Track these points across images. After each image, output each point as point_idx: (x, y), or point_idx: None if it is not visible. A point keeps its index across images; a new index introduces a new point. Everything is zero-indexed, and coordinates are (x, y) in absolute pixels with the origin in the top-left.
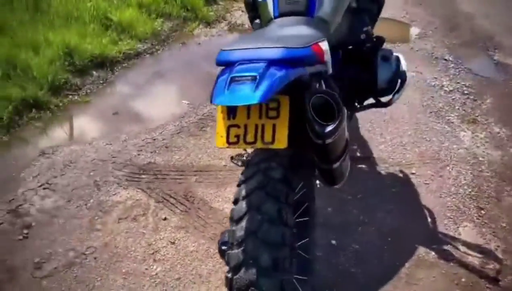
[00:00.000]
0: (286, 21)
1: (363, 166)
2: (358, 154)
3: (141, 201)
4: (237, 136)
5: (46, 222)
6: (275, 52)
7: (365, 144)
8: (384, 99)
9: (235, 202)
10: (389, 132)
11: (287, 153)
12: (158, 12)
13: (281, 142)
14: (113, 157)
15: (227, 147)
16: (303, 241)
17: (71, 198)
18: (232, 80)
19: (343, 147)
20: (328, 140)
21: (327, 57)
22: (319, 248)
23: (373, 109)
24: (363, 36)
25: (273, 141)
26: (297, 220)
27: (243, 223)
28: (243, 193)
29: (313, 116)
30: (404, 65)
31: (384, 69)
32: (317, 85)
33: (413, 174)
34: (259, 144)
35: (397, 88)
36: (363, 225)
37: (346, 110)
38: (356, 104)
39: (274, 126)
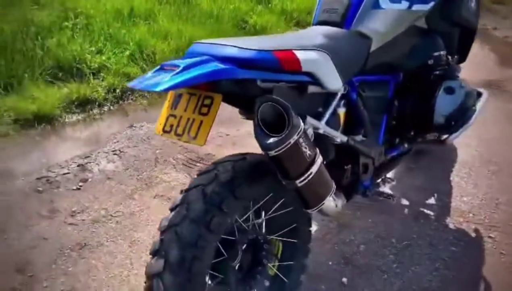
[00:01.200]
0: (315, 30)
1: (430, 213)
2: (432, 200)
3: (184, 185)
4: (171, 126)
5: (99, 180)
6: (227, 51)
7: (448, 191)
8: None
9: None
10: (487, 185)
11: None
12: (298, 20)
13: (200, 140)
14: None
15: (161, 135)
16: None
17: (129, 167)
18: (161, 68)
19: (305, 164)
20: (271, 153)
21: (312, 68)
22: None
23: (477, 154)
24: (430, 61)
25: (195, 138)
26: (281, 239)
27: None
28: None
29: (259, 124)
30: (480, 102)
31: (445, 103)
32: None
33: (490, 237)
34: (184, 138)
35: (456, 127)
36: (392, 277)
37: (302, 124)
38: (412, 135)
39: (201, 122)
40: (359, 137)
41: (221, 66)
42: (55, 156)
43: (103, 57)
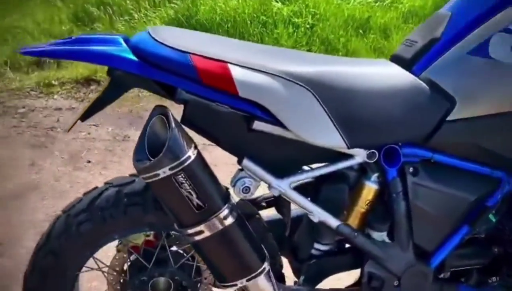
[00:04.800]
0: (373, 62)
1: None
2: None
3: None
4: None
5: None
6: (147, 42)
7: None
8: None
9: None
10: None
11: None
12: None
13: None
14: None
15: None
16: None
17: None
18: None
19: (191, 215)
20: (142, 176)
21: (257, 96)
22: None
23: None
24: None
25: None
26: None
27: None
28: None
29: (143, 138)
30: None
31: None
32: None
33: None
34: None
35: None
36: None
37: (189, 159)
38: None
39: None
40: (380, 236)
41: (120, 53)
42: None
43: None
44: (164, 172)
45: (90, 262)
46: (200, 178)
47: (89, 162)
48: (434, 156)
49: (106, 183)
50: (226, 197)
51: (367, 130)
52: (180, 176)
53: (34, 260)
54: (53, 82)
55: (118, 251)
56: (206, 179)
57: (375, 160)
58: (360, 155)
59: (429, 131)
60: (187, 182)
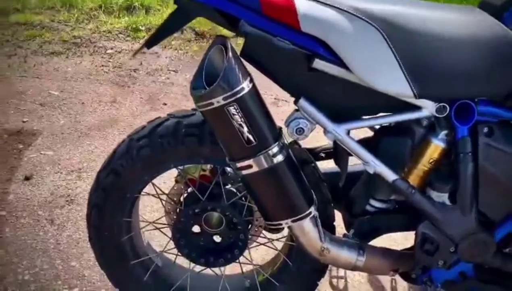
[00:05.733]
0: (457, 8)
1: None
2: None
3: None
4: None
5: None
6: None
7: None
8: None
9: None
10: None
11: None
12: None
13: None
14: None
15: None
16: None
17: None
18: None
19: (241, 147)
20: (197, 104)
21: (320, 32)
22: None
23: None
24: None
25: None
26: None
27: None
28: None
29: (202, 66)
30: None
31: None
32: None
33: None
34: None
35: None
36: None
37: (244, 90)
38: None
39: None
40: (440, 197)
41: None
42: None
43: None
44: (217, 101)
45: (151, 189)
46: (253, 111)
47: (165, 104)
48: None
49: (168, 114)
50: (277, 135)
51: (439, 81)
52: (232, 107)
53: (98, 178)
54: (140, 27)
55: (176, 182)
56: (259, 114)
57: (445, 114)
58: (428, 108)
59: (508, 89)
60: (239, 114)
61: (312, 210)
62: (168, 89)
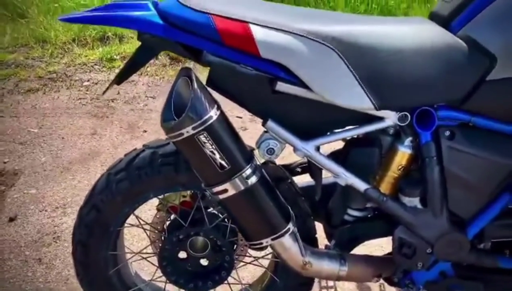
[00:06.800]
0: (406, 20)
1: None
2: None
3: None
4: None
5: None
6: (171, 4)
7: None
8: None
9: None
10: None
11: None
12: None
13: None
14: None
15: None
16: None
17: None
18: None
19: (215, 174)
20: (168, 135)
21: (278, 56)
22: None
23: None
24: None
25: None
26: None
27: None
28: None
29: (169, 98)
30: None
31: None
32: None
33: None
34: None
35: None
36: None
37: (212, 118)
38: None
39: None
40: (411, 202)
41: (147, 17)
42: None
43: None
44: (187, 131)
45: (134, 220)
46: (223, 138)
47: (145, 131)
48: (472, 119)
49: (144, 145)
50: (249, 157)
51: (397, 91)
52: (202, 136)
53: (80, 215)
54: (114, 56)
55: (158, 210)
56: (229, 139)
57: (407, 122)
58: (390, 118)
59: (467, 92)
60: (210, 141)
61: (290, 226)
62: (147, 116)
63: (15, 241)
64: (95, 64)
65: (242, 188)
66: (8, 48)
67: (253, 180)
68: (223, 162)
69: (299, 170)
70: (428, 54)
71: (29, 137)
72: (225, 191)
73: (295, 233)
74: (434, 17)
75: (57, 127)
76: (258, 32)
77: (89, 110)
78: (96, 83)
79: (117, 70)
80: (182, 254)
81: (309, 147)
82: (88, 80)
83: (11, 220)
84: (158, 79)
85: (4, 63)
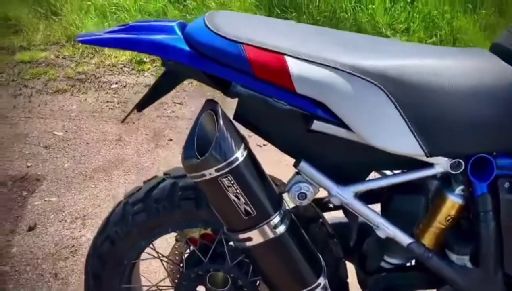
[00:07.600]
0: (463, 52)
1: None
2: None
3: None
4: None
5: None
6: (200, 31)
7: None
8: None
9: None
10: None
11: None
12: None
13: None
14: None
15: None
16: None
17: None
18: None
19: (239, 219)
20: (188, 175)
21: (315, 93)
22: None
23: None
24: None
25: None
26: None
27: None
28: None
29: (192, 134)
30: None
31: None
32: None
33: None
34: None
35: None
36: None
37: (238, 160)
38: None
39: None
40: (460, 260)
41: (172, 43)
42: None
43: None
44: (210, 173)
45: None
46: (249, 182)
47: (170, 140)
48: None
49: (165, 173)
50: (278, 203)
51: (452, 137)
52: (226, 179)
53: (94, 244)
54: (144, 59)
55: (177, 240)
56: (256, 184)
57: (460, 170)
58: (442, 164)
59: None
60: (234, 185)
61: (321, 280)
62: (173, 123)
63: (32, 252)
64: (124, 66)
65: (269, 237)
66: (40, 46)
67: (281, 229)
68: (248, 208)
69: (331, 206)
70: (489, 94)
71: (53, 141)
72: (249, 239)
73: (326, 287)
74: (497, 50)
75: (83, 131)
76: (294, 66)
77: (115, 114)
78: (124, 86)
79: (146, 74)
80: (201, 289)
81: (346, 193)
82: (117, 83)
83: (31, 229)
84: (186, 84)
85: (35, 61)
